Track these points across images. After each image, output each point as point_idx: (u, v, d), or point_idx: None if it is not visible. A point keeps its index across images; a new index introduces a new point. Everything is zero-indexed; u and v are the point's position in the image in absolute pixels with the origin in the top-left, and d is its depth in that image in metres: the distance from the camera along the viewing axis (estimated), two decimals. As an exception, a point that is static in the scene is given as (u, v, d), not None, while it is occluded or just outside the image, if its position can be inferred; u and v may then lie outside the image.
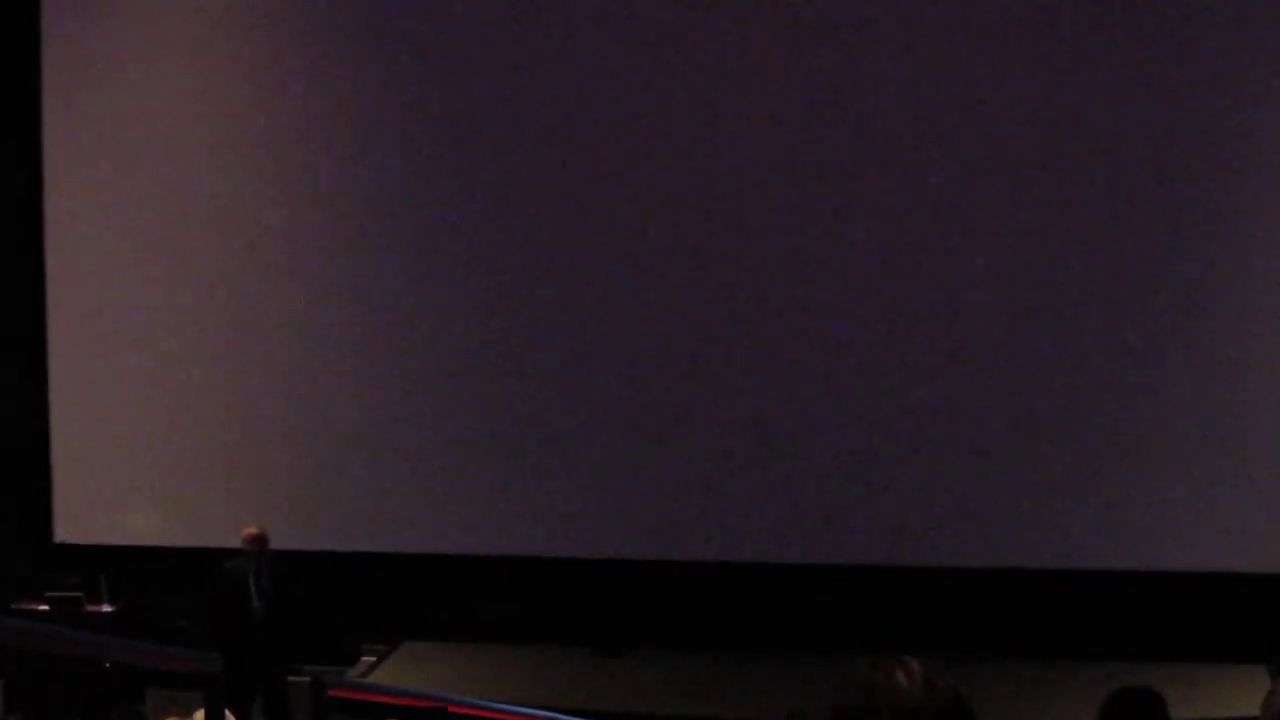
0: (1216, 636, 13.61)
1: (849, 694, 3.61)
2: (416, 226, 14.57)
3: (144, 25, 14.73)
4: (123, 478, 14.90)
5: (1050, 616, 13.96)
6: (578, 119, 14.34)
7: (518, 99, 14.35)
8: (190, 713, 8.14)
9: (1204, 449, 13.85)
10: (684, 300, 14.30)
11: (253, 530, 12.36)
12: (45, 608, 13.92)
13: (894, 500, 14.10)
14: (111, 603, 14.24)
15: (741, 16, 14.08)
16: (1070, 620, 13.94)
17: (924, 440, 14.07)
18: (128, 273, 14.79)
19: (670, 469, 14.34)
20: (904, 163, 14.02)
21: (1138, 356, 13.90)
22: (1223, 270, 13.77)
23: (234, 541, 12.66)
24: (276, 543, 12.80)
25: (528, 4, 14.35)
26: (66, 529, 15.01)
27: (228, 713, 8.02)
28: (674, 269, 14.29)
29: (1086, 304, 13.90)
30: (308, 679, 11.26)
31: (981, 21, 13.91)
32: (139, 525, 14.82)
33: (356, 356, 14.65)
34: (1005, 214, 13.95)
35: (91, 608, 14.04)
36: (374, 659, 14.16)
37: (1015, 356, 14.00)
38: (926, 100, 13.95)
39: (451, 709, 7.55)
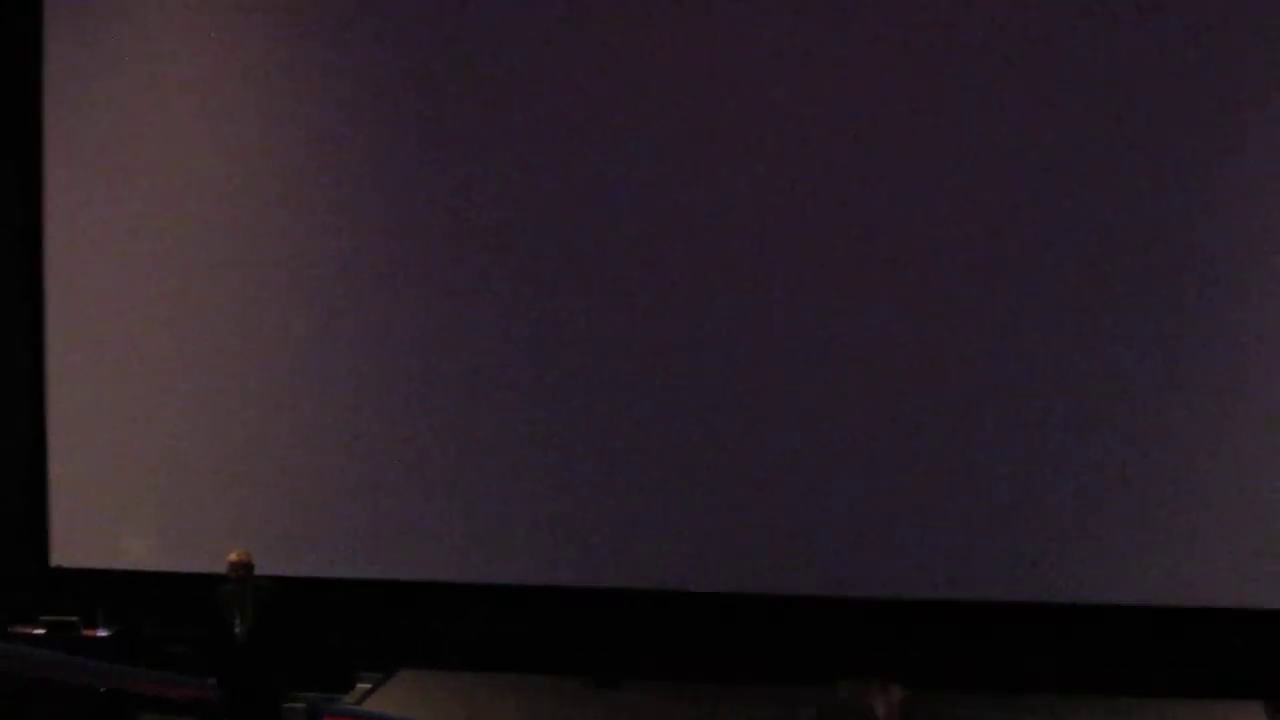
0: (1212, 672, 13.59)
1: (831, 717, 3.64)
2: (421, 248, 14.54)
3: (145, 26, 14.74)
4: (119, 503, 14.86)
5: (1041, 650, 13.93)
6: (573, 134, 14.36)
7: (524, 106, 14.35)
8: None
9: (1198, 483, 13.83)
10: (683, 329, 14.28)
11: (235, 556, 12.35)
12: (41, 632, 13.90)
13: (891, 533, 14.08)
14: (108, 628, 14.22)
15: (742, 16, 14.11)
16: (1062, 654, 13.92)
17: (920, 475, 14.06)
18: (126, 299, 14.77)
19: (671, 500, 14.31)
20: (897, 179, 14.01)
21: (1134, 381, 13.89)
22: (1223, 295, 13.77)
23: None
24: (273, 568, 12.76)
25: (532, 7, 14.38)
26: (63, 554, 14.98)
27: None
28: (664, 286, 14.30)
29: (1079, 327, 13.89)
30: (302, 705, 11.26)
31: (983, 20, 13.92)
32: (135, 550, 14.79)
33: (354, 384, 14.61)
34: (999, 234, 13.94)
35: (88, 633, 14.03)
36: (369, 686, 14.13)
37: (1009, 386, 13.99)
38: (918, 117, 13.96)
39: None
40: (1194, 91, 13.63)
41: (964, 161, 13.92)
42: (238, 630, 12.31)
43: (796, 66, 14.07)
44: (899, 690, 3.70)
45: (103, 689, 12.33)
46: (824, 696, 3.74)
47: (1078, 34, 13.74)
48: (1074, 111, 13.76)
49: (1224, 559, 13.73)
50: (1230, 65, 13.61)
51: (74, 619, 14.05)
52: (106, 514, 14.88)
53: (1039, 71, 13.80)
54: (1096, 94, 13.73)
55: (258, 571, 12.39)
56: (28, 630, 13.98)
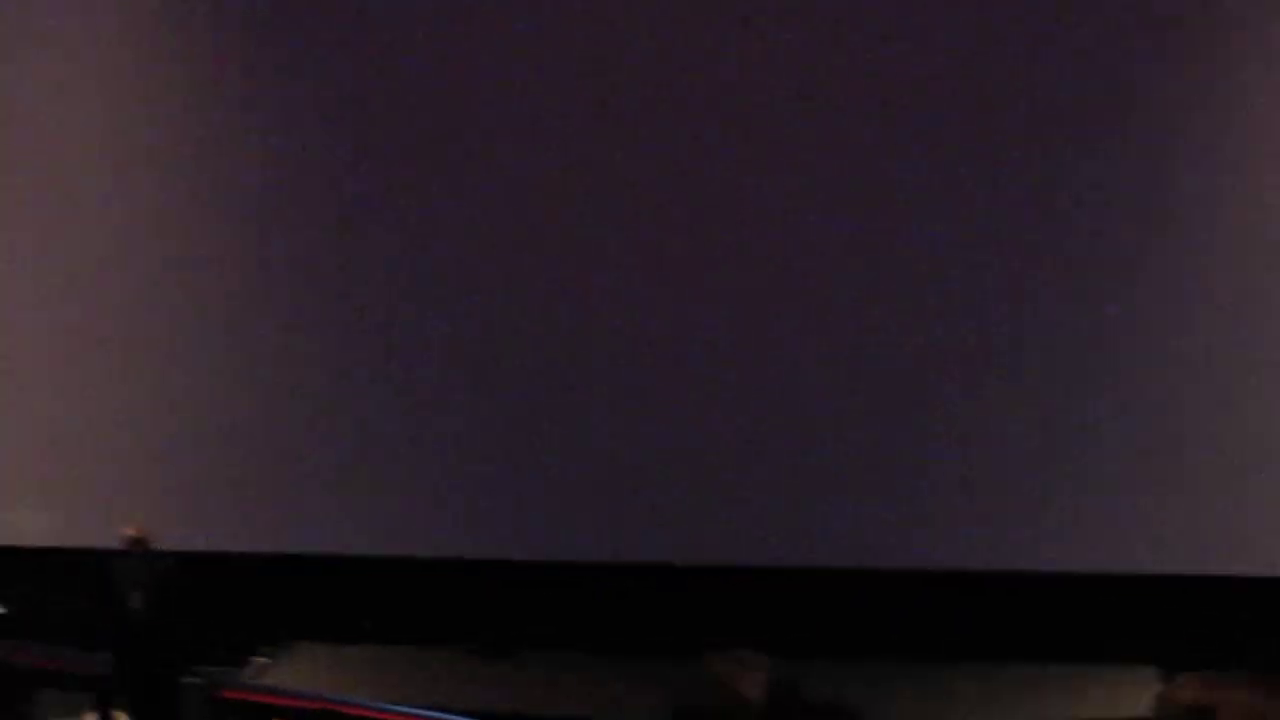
0: (1108, 637, 13.78)
1: (694, 695, 3.67)
2: (324, 192, 14.55)
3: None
4: (10, 478, 14.79)
5: (940, 616, 14.07)
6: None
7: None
8: (80, 715, 8.16)
9: (1089, 445, 14.03)
10: (632, 284, 14.33)
11: (130, 531, 12.33)
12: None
13: (755, 499, 14.20)
14: (1, 605, 14.14)
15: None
16: (966, 620, 14.05)
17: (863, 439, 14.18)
18: (19, 266, 14.71)
19: (546, 470, 14.35)
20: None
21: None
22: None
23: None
24: (168, 543, 12.74)
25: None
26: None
27: (117, 714, 8.06)
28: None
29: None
30: (199, 680, 11.29)
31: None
32: (26, 525, 14.71)
33: (242, 350, 14.59)
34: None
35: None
36: (266, 661, 14.13)
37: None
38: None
39: (343, 710, 7.61)
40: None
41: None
42: (134, 605, 12.30)
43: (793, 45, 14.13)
44: (765, 661, 3.73)
45: (-2, 666, 12.29)
46: (688, 672, 3.77)
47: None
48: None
49: (1119, 524, 13.91)
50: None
51: None
52: (-1, 489, 14.82)
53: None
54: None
55: (154, 546, 12.38)
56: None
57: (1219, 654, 13.15)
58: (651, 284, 14.26)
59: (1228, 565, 13.71)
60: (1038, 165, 13.90)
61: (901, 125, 13.99)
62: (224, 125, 14.53)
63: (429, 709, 10.86)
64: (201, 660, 12.57)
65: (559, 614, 14.34)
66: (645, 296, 14.26)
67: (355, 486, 14.57)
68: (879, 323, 14.11)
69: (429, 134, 14.36)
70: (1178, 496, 13.88)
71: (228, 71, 14.49)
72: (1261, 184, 13.67)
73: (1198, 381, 13.92)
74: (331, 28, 14.44)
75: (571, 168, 14.29)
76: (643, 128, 14.28)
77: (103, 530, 13.90)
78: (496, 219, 14.33)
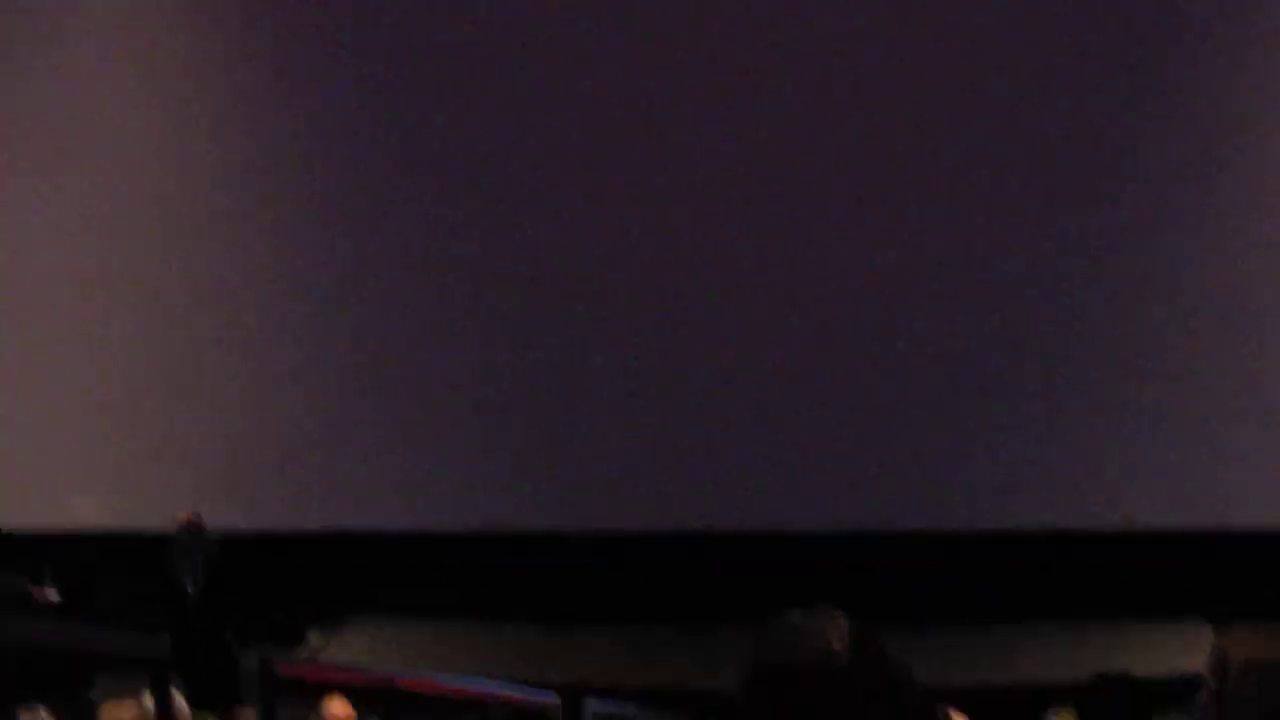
0: (1159, 593, 13.69)
1: (775, 650, 3.59)
2: (356, 184, 14.53)
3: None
4: (60, 462, 14.82)
5: (989, 576, 14.01)
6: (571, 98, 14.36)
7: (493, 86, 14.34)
8: (138, 697, 8.12)
9: (1135, 405, 13.95)
10: (648, 267, 14.31)
11: (184, 514, 12.33)
12: (-12, 596, 13.84)
13: (840, 465, 14.16)
14: (56, 590, 14.14)
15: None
16: (1010, 579, 13.99)
17: (868, 406, 14.14)
18: (61, 249, 14.73)
19: (613, 441, 14.34)
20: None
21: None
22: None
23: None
24: (220, 524, 12.74)
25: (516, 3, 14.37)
26: (7, 516, 14.91)
27: (175, 695, 8.01)
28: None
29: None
30: (255, 659, 11.23)
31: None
32: (79, 510, 14.74)
33: (293, 331, 14.61)
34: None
35: (37, 594, 13.95)
36: (321, 638, 14.12)
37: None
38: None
39: (400, 683, 7.55)
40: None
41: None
42: (188, 587, 12.29)
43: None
44: (846, 620, 3.65)
45: (54, 649, 12.28)
46: (771, 627, 3.68)
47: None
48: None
49: (1164, 480, 13.85)
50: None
51: (21, 580, 13.95)
52: (50, 474, 14.83)
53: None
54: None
55: (207, 528, 12.36)
56: (-22, 596, 13.90)
57: (1272, 607, 13.12)
58: (711, 249, 14.21)
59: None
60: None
61: (945, 112, 13.94)
62: (268, 128, 14.54)
63: (487, 680, 10.80)
64: (258, 640, 12.55)
65: (618, 585, 14.29)
66: (704, 257, 14.21)
67: (409, 461, 14.55)
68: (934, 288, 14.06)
69: (462, 135, 14.35)
70: (1231, 449, 13.85)
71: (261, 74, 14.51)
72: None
73: (1251, 337, 13.87)
74: (372, 34, 14.44)
75: (591, 165, 14.29)
76: (662, 120, 14.27)
77: (156, 513, 13.92)
78: (528, 212, 14.31)
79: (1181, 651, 12.56)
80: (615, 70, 14.21)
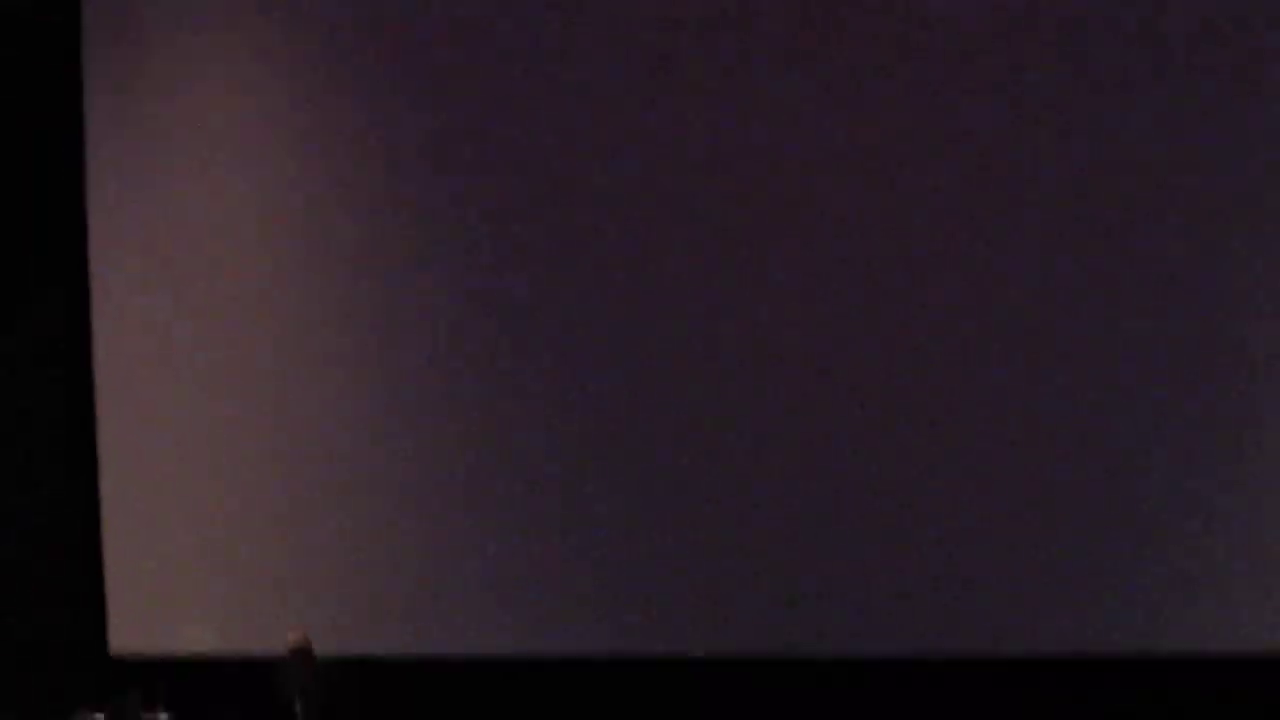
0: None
1: None
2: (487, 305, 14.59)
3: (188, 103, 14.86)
4: (178, 587, 14.87)
5: (1055, 704, 13.74)
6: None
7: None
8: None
9: (1209, 523, 13.68)
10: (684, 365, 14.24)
11: (294, 638, 12.34)
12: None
13: (899, 590, 13.97)
14: (169, 715, 14.17)
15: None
16: (1080, 707, 13.72)
17: (926, 529, 13.97)
18: (177, 374, 14.83)
19: (677, 563, 14.23)
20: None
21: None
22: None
23: (289, 650, 12.63)
24: (338, 650, 12.74)
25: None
26: (122, 641, 14.99)
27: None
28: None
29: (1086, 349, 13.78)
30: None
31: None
32: (196, 636, 14.78)
33: (410, 456, 14.62)
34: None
35: (148, 718, 13.99)
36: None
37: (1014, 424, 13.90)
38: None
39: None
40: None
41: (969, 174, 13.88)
42: (299, 712, 12.27)
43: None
44: None
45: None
46: None
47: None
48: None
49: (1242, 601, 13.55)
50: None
51: (136, 708, 13.99)
52: (166, 599, 14.88)
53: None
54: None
55: (316, 653, 12.35)
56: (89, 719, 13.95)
57: None
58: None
59: None
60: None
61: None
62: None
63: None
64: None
65: (690, 711, 14.13)
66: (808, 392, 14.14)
67: (513, 586, 14.49)
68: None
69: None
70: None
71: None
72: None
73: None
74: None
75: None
76: (653, 133, 14.28)
77: (267, 638, 13.91)
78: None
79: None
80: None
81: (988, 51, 13.89)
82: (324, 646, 12.82)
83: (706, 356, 14.23)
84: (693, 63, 14.23)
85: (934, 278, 13.96)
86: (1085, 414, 13.77)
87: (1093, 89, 13.73)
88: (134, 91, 14.84)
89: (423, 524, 14.60)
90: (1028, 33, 13.83)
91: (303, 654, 12.38)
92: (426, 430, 14.61)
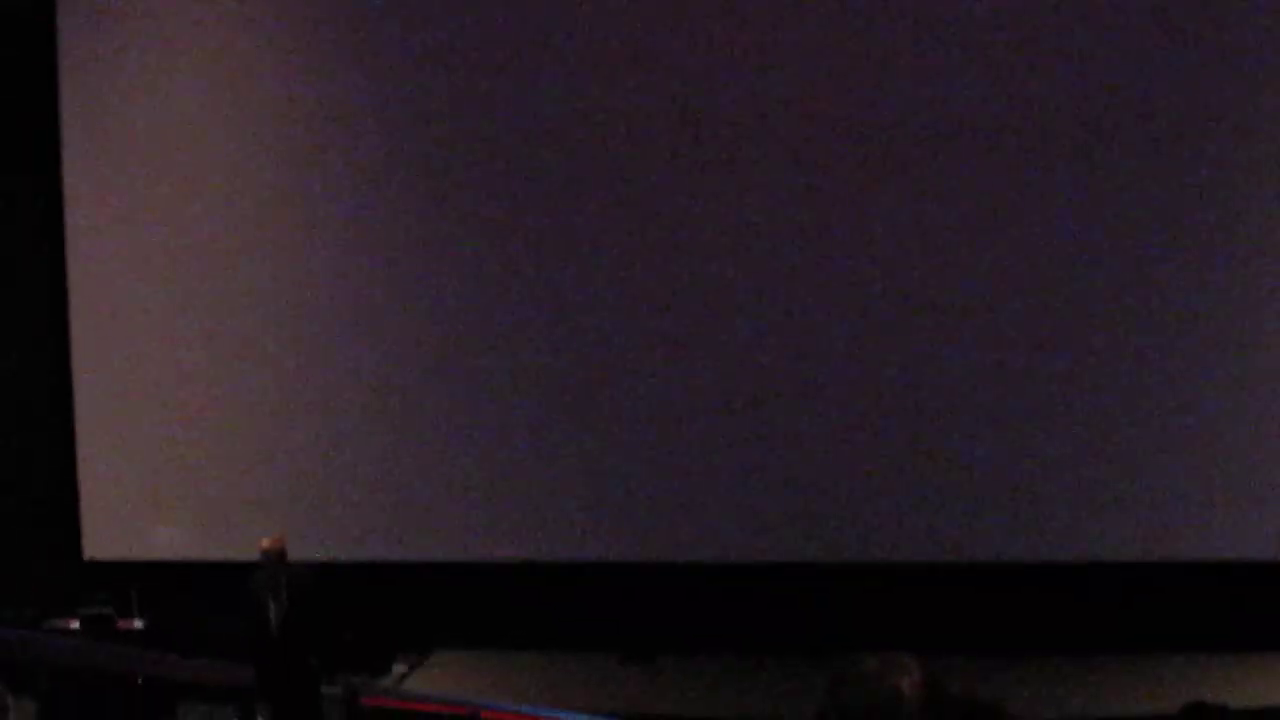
0: (1231, 624, 13.59)
1: (849, 694, 3.58)
2: (437, 232, 14.57)
3: (159, 30, 14.76)
4: (150, 493, 14.90)
5: (1076, 608, 13.90)
6: (570, 126, 14.38)
7: (536, 108, 14.37)
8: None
9: (1198, 436, 13.84)
10: (700, 304, 14.30)
11: (268, 542, 12.36)
12: (76, 625, 13.93)
13: (907, 497, 14.09)
14: (142, 618, 14.23)
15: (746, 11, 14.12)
16: (1100, 611, 13.89)
17: (931, 440, 14.08)
18: (150, 288, 14.82)
19: (693, 474, 14.32)
20: (907, 158, 14.01)
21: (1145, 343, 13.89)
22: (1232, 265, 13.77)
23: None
24: (305, 553, 12.76)
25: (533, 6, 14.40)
26: (95, 546, 15.02)
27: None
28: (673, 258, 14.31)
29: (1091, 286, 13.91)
30: (339, 689, 11.27)
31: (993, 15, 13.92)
32: (167, 540, 14.82)
33: (381, 364, 14.65)
34: (1008, 205, 13.94)
35: (122, 624, 14.04)
36: (405, 668, 14.14)
37: (1017, 345, 14.00)
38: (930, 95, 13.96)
39: (484, 715, 7.54)
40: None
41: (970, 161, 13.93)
42: (273, 616, 12.31)
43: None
44: (919, 666, 3.63)
45: (140, 678, 12.36)
46: (836, 671, 3.66)
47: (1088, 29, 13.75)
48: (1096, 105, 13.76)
49: (1259, 512, 13.72)
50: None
51: (109, 611, 14.05)
52: (138, 505, 14.92)
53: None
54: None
55: (291, 557, 12.38)
56: (63, 623, 14.00)
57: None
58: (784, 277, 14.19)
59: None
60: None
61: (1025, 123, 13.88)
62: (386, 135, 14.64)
63: (570, 713, 10.79)
64: (342, 669, 12.59)
65: (698, 617, 14.26)
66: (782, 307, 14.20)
67: (493, 492, 14.57)
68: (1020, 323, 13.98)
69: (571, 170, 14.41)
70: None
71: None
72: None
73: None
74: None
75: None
76: (655, 112, 14.28)
77: (240, 542, 13.98)
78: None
79: (1257, 685, 12.47)
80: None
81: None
82: (297, 551, 12.82)
83: (706, 257, 14.30)
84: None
85: (935, 192, 14.11)
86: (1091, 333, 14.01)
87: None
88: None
89: (398, 431, 14.65)
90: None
91: (276, 558, 12.40)
92: (403, 336, 14.65)
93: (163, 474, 14.89)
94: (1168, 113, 13.69)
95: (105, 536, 15.01)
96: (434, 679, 13.87)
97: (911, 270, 14.04)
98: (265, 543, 12.44)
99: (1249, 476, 13.74)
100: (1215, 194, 13.71)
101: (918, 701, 3.55)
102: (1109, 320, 13.88)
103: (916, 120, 13.97)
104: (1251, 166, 13.67)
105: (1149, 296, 13.84)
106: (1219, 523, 13.77)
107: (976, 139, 13.92)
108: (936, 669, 3.67)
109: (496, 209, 14.49)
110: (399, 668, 14.15)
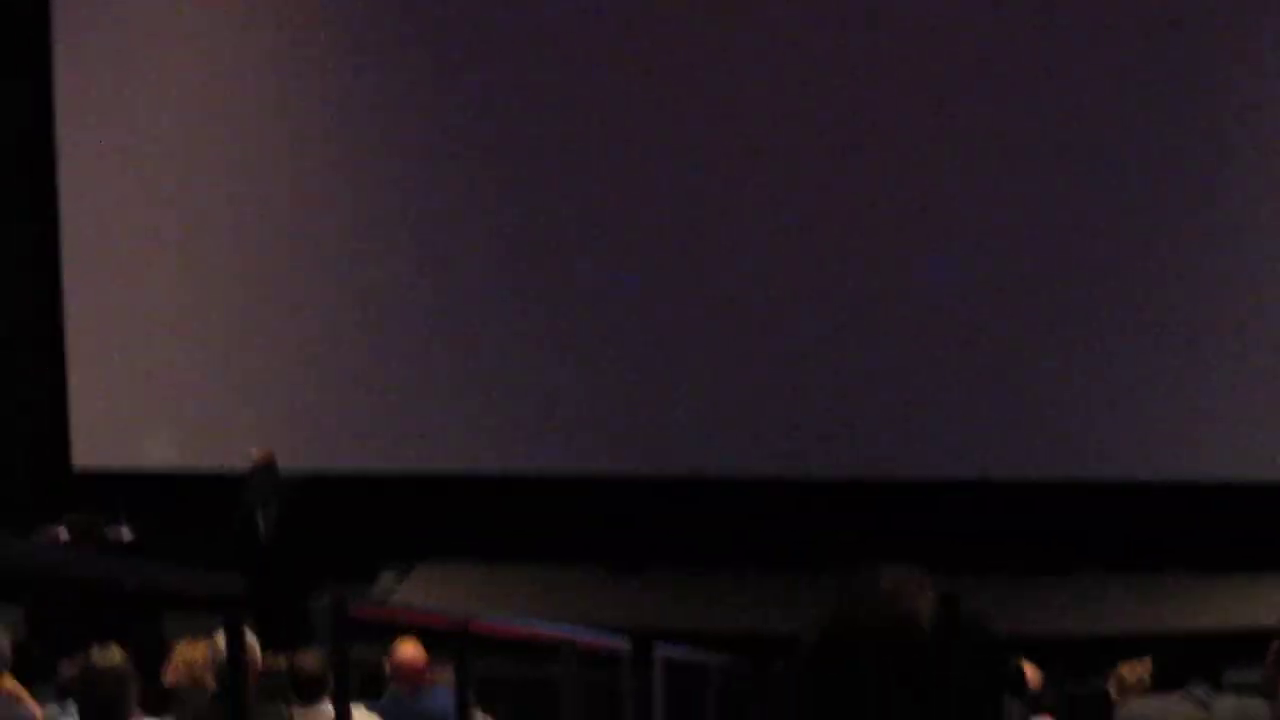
0: (1235, 547, 13.56)
1: (860, 608, 3.55)
2: (417, 140, 14.52)
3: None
4: (138, 403, 14.89)
5: (1064, 527, 13.90)
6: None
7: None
8: (210, 635, 8.12)
9: (1224, 356, 13.83)
10: (701, 213, 14.29)
11: (257, 453, 12.37)
12: (64, 534, 13.91)
13: (908, 415, 14.09)
14: (130, 528, 14.21)
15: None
16: (1085, 531, 13.89)
17: (933, 355, 14.07)
18: (141, 193, 14.79)
19: (685, 386, 14.32)
20: (900, 74, 13.98)
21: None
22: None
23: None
24: (294, 463, 12.78)
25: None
26: (84, 456, 15.02)
27: (247, 634, 7.99)
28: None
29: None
30: (327, 600, 11.22)
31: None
32: (156, 450, 14.81)
33: (368, 275, 14.63)
34: (1000, 120, 13.91)
35: (110, 533, 14.02)
36: (392, 579, 14.15)
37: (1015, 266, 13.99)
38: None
39: (473, 626, 7.52)
40: None
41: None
42: (262, 526, 12.32)
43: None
44: (932, 581, 3.60)
45: (128, 588, 12.33)
46: (858, 584, 3.60)
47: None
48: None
49: (1243, 434, 13.73)
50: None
51: (96, 521, 14.02)
52: (127, 416, 14.91)
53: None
54: None
55: (280, 467, 12.39)
56: (50, 532, 13.97)
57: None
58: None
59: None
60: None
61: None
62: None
63: (559, 625, 10.78)
64: (330, 580, 12.58)
65: (689, 530, 14.25)
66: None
67: (482, 404, 14.56)
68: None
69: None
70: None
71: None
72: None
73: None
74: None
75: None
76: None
77: (230, 452, 13.97)
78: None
79: (1257, 605, 12.49)
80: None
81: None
82: (287, 461, 12.83)
83: (701, 163, 14.30)
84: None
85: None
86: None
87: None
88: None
89: (389, 342, 14.65)
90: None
91: (266, 469, 12.41)
92: (394, 247, 14.65)
93: (152, 384, 14.88)
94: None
95: (94, 447, 14.99)
96: (422, 591, 13.88)
97: (908, 184, 14.00)
98: (254, 453, 12.46)
99: (1246, 396, 13.76)
100: (1212, 107, 13.69)
101: (933, 623, 3.51)
102: (1108, 235, 13.86)
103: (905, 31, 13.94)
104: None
105: (1149, 210, 13.82)
106: (1211, 443, 13.80)
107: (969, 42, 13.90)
108: (949, 588, 3.64)
109: (484, 108, 14.43)
110: (387, 578, 14.16)
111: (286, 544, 12.29)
